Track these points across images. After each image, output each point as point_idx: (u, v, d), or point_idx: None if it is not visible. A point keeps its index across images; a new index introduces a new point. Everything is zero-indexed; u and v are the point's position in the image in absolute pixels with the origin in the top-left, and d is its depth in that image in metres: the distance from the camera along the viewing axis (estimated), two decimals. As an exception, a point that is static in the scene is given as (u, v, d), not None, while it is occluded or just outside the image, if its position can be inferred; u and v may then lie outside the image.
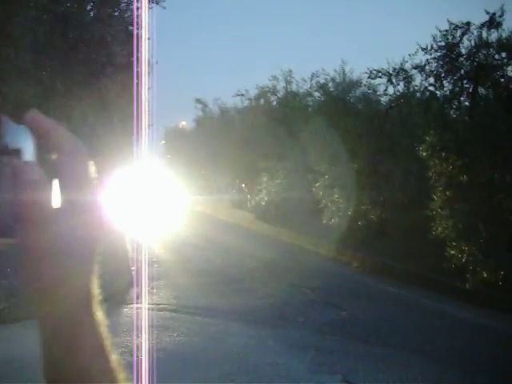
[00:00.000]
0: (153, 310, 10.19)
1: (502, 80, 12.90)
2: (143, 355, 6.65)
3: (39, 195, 0.60)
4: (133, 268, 11.95)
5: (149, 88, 12.76)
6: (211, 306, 10.84)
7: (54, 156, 0.64)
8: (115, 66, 10.95)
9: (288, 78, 26.53)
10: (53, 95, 9.25)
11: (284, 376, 6.85)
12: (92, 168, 0.66)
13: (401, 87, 16.93)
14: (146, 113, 13.32)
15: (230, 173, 31.01)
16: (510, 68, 12.84)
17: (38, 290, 0.60)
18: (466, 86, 13.28)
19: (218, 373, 6.84)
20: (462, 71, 13.15)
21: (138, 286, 11.40)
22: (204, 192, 34.71)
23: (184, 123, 42.70)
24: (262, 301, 11.32)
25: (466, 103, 13.52)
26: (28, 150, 0.61)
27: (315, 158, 20.22)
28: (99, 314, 0.64)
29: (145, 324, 8.75)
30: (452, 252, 12.29)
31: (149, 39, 12.32)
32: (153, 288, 12.00)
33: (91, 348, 0.62)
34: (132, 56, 12.37)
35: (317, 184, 20.16)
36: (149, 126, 13.74)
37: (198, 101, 36.33)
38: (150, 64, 12.65)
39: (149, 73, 12.59)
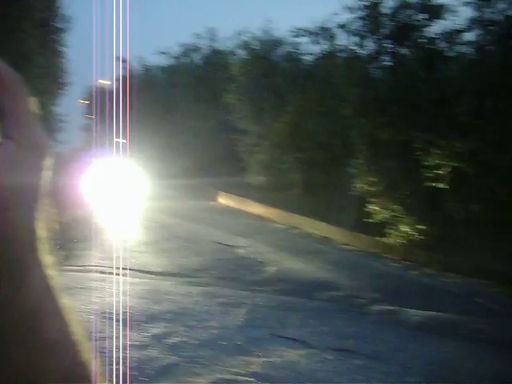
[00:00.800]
0: (79, 271, 10.06)
1: (422, 41, 13.19)
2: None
3: None
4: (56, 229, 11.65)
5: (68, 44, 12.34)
6: (140, 266, 10.79)
7: None
8: (33, 21, 10.49)
9: (212, 36, 26.22)
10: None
11: (215, 333, 6.94)
12: (34, 105, 0.60)
13: (325, 46, 17.07)
14: (66, 70, 12.93)
15: (154, 133, 30.52)
16: (429, 29, 13.13)
17: None
18: (388, 45, 13.51)
19: (148, 333, 6.86)
20: (384, 31, 13.36)
21: (64, 248, 11.20)
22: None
23: (106, 82, 41.40)
24: (191, 260, 11.37)
25: (388, 63, 13.77)
26: None
27: (239, 117, 20.21)
28: (46, 256, 0.62)
29: (71, 286, 8.63)
30: (374, 208, 12.65)
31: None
32: (79, 249, 11.83)
33: (39, 289, 0.60)
34: (50, 10, 11.89)
35: (240, 143, 20.20)
36: (67, 83, 13.38)
37: (120, 59, 35.30)
38: (68, 19, 12.21)
39: (67, 28, 12.16)
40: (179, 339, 6.61)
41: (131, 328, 6.89)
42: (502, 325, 8.14)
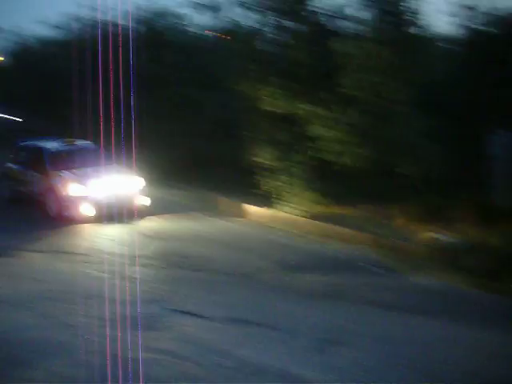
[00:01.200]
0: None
1: (306, 14, 13.44)
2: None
3: None
4: None
5: None
6: (49, 247, 10.61)
7: None
8: None
9: (94, 5, 25.21)
10: None
11: (104, 308, 6.94)
12: None
13: (212, 19, 17.03)
14: None
15: (51, 113, 29.02)
16: (316, 4, 13.37)
17: None
18: (275, 19, 13.63)
19: (42, 311, 6.82)
20: (272, 4, 13.46)
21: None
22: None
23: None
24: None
25: (275, 36, 13.91)
26: None
27: (131, 90, 19.79)
28: None
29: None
30: (265, 180, 12.86)
31: None
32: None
33: None
34: None
35: (131, 116, 19.81)
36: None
37: (4, 30, 32.67)
38: None
39: None
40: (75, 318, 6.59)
41: (19, 310, 6.82)
42: (383, 286, 8.68)
